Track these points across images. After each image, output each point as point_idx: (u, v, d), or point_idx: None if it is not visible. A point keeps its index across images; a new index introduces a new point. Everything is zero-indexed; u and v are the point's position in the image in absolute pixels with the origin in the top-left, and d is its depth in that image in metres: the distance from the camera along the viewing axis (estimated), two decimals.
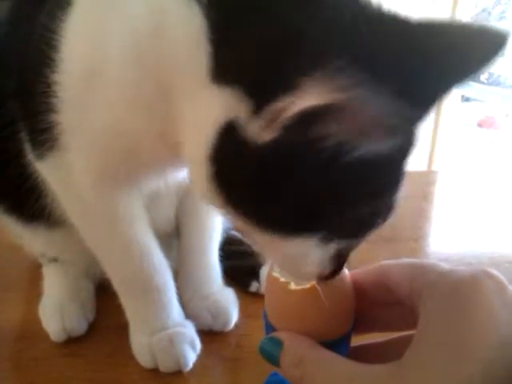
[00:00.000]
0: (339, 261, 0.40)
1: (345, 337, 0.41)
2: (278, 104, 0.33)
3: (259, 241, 0.40)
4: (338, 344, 0.40)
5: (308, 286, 0.40)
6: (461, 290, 0.35)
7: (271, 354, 0.39)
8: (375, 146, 0.33)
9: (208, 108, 0.37)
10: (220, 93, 0.36)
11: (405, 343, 0.35)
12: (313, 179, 0.35)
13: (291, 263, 0.40)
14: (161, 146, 0.43)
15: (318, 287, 0.39)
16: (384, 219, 0.38)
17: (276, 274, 0.41)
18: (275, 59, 0.34)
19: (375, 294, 0.41)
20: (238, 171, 0.36)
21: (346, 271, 0.41)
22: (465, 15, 1.97)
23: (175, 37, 0.37)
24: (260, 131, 0.34)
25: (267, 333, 0.42)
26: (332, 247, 0.38)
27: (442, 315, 0.35)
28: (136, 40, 0.39)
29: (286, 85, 0.32)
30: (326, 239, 0.38)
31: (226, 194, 0.37)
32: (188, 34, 0.37)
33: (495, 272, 0.36)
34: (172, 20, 0.38)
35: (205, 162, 0.37)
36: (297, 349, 0.38)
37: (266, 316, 0.42)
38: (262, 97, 0.34)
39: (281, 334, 0.39)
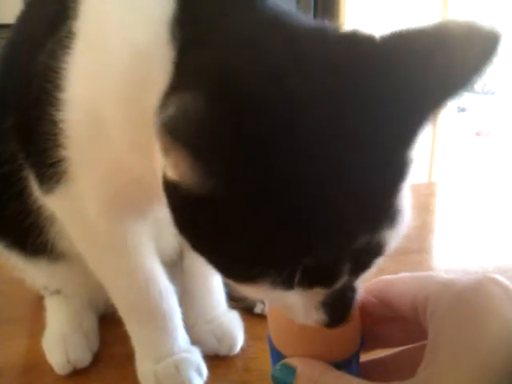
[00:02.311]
0: (333, 309, 0.37)
1: (354, 355, 0.40)
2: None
3: (235, 286, 0.38)
4: (348, 364, 0.40)
5: None
6: (468, 298, 0.35)
7: (284, 381, 0.39)
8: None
9: None
10: None
11: (409, 356, 0.35)
12: (197, 217, 0.34)
13: (277, 306, 0.39)
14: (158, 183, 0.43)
15: None
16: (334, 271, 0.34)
17: None
18: None
19: (377, 310, 0.41)
20: (174, 213, 0.36)
21: None
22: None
23: (156, 84, 0.38)
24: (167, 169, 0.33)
25: (273, 358, 0.41)
26: (309, 294, 0.36)
27: (454, 326, 0.34)
28: (123, 86, 0.40)
29: None
30: (282, 286, 0.34)
31: (183, 238, 0.37)
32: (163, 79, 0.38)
33: (499, 277, 0.36)
34: (154, 68, 0.38)
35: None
36: (311, 374, 0.38)
37: (270, 341, 0.41)
38: None
39: (292, 360, 0.39)
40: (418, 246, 0.82)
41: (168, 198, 0.36)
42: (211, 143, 0.29)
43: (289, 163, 0.31)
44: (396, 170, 0.34)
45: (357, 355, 0.41)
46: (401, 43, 0.34)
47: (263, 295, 0.37)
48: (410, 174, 0.35)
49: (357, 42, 0.35)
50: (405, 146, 0.34)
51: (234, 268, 0.36)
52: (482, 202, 1.00)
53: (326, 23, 0.38)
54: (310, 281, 0.34)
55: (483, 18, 0.33)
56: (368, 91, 0.33)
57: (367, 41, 0.35)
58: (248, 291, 0.37)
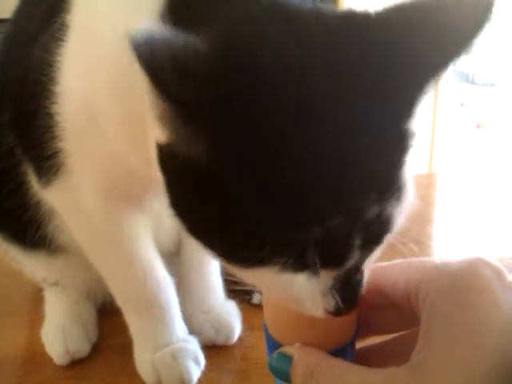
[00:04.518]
0: (344, 293, 0.36)
1: (350, 343, 0.41)
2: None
3: (237, 273, 0.36)
4: (343, 351, 0.40)
5: None
6: (460, 280, 0.35)
7: (281, 369, 0.39)
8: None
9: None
10: None
11: (404, 342, 0.35)
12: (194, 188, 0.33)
13: (282, 297, 0.37)
14: (153, 172, 0.43)
15: None
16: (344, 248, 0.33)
17: None
18: None
19: (370, 298, 0.41)
20: (170, 191, 0.36)
21: None
22: None
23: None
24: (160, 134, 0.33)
25: (269, 347, 0.41)
26: (318, 280, 0.35)
27: (446, 308, 0.35)
28: (115, 78, 0.40)
29: None
30: (292, 268, 0.33)
31: (180, 221, 0.36)
32: None
33: (490, 259, 0.36)
34: None
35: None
36: (307, 361, 0.38)
37: (266, 330, 0.42)
38: None
39: (289, 349, 0.39)
40: (417, 236, 0.82)
41: (164, 174, 0.35)
42: (210, 96, 0.29)
43: (293, 129, 0.31)
44: (399, 141, 0.34)
45: (352, 343, 0.41)
46: (396, 15, 0.35)
47: (269, 283, 0.35)
48: (413, 147, 0.35)
49: (353, 17, 0.35)
50: (407, 115, 0.34)
51: (240, 251, 0.33)
52: (482, 193, 1.00)
53: (322, 5, 0.38)
54: (320, 260, 0.33)
55: None
56: (366, 64, 0.33)
57: (363, 16, 0.35)
58: (252, 278, 0.36)
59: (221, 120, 0.30)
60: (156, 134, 0.34)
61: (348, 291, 0.36)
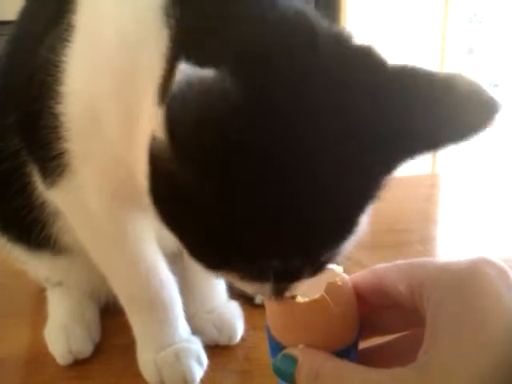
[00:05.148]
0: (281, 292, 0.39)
1: (353, 344, 0.40)
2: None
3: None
4: (347, 352, 0.40)
5: (316, 296, 0.39)
6: (464, 279, 0.35)
7: (286, 371, 0.39)
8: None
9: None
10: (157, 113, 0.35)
11: (408, 342, 0.35)
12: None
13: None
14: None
15: (326, 296, 0.38)
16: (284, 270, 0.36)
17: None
18: None
19: (372, 298, 0.41)
20: (151, 182, 0.37)
21: (346, 276, 0.41)
22: (456, 20, 1.97)
23: (149, 71, 0.38)
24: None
25: (271, 348, 0.41)
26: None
27: (452, 308, 0.35)
28: (117, 79, 0.41)
29: None
30: (248, 279, 0.37)
31: (154, 209, 0.38)
32: (154, 68, 0.38)
33: (494, 258, 0.36)
34: (146, 55, 0.39)
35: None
36: (312, 363, 0.38)
37: (269, 331, 0.41)
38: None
39: (293, 350, 0.39)
40: (421, 236, 0.82)
41: (149, 167, 0.37)
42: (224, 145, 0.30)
43: (284, 188, 0.32)
44: (371, 194, 0.35)
45: (355, 343, 0.41)
46: (409, 81, 0.35)
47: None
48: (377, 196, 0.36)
49: (370, 61, 0.35)
50: (387, 173, 0.35)
51: (207, 258, 0.37)
52: (485, 193, 1.00)
53: (342, 29, 0.38)
54: (274, 279, 0.36)
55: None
56: (365, 115, 0.34)
57: (379, 64, 0.35)
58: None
59: (223, 164, 0.31)
60: (152, 128, 0.35)
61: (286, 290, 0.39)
